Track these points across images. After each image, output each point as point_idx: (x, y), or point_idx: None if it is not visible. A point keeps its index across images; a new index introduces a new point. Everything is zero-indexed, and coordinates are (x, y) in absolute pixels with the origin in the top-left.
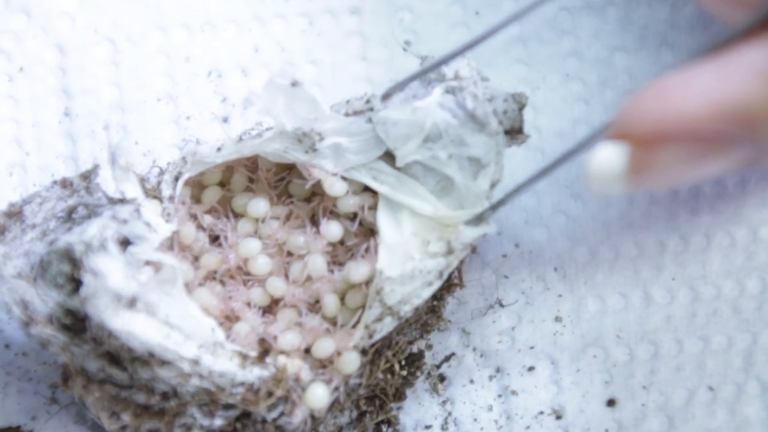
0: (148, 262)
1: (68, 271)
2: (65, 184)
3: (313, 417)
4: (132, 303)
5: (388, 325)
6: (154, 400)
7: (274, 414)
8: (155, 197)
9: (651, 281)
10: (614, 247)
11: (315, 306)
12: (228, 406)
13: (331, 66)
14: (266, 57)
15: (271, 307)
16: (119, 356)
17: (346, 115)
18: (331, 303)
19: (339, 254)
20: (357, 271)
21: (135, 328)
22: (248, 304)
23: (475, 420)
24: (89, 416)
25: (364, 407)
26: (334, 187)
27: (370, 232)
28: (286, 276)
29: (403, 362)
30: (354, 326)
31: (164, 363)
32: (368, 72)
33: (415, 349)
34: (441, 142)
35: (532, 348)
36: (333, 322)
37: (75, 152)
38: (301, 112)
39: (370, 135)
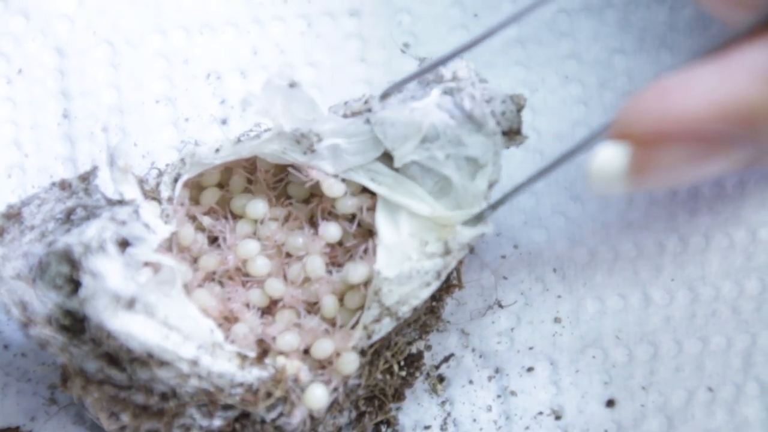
0: (146, 263)
1: (67, 273)
2: (64, 185)
3: (312, 417)
4: (131, 304)
5: (386, 325)
6: (153, 401)
7: (273, 414)
8: (154, 199)
9: (650, 282)
10: (613, 248)
11: (314, 307)
12: (227, 407)
13: (330, 68)
14: (265, 59)
15: (270, 308)
16: (118, 357)
17: (344, 116)
18: (329, 304)
19: (338, 255)
20: (355, 272)
21: (134, 329)
22: (247, 305)
23: (474, 420)
24: (88, 417)
25: (363, 408)
26: (333, 189)
27: (368, 233)
28: (285, 277)
29: (402, 363)
30: (353, 327)
31: (163, 364)
32: (367, 74)
33: (414, 349)
34: (438, 143)
35: (531, 349)
36: (332, 323)
37: (74, 154)
38: (299, 113)
39: (369, 136)
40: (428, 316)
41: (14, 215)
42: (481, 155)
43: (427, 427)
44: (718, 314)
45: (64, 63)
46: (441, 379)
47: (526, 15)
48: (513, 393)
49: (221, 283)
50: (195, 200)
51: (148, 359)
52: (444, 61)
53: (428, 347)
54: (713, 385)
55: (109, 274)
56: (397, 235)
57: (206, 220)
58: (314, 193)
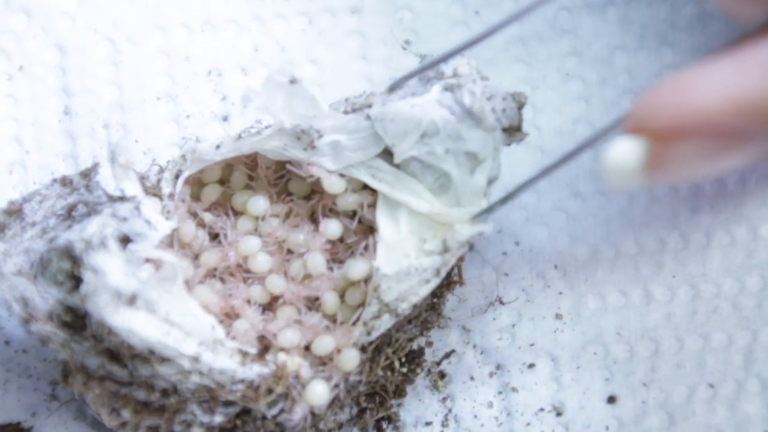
0: (148, 260)
1: (68, 269)
2: (65, 182)
3: (313, 414)
4: (132, 300)
5: (386, 322)
6: (154, 397)
7: (274, 411)
8: (155, 195)
9: (651, 279)
10: (614, 244)
11: (315, 303)
12: (228, 403)
13: (330, 65)
14: (266, 56)
15: (271, 305)
16: (119, 353)
17: (345, 112)
18: (330, 300)
19: (339, 252)
20: (355, 268)
21: (135, 326)
22: (248, 302)
23: (476, 417)
24: (89, 413)
25: (365, 404)
26: (333, 185)
27: (369, 229)
28: (286, 274)
29: (404, 359)
30: (354, 324)
31: (164, 360)
32: (368, 71)
33: (415, 346)
34: (438, 138)
35: (532, 345)
36: (333, 319)
37: (75, 151)
38: (300, 109)
39: (369, 132)
40: (429, 312)
41: (15, 211)
42: (481, 150)
43: (428, 424)
44: (719, 311)
45: (65, 60)
46: (442, 375)
47: (527, 13)
48: (514, 389)
49: (222, 280)
50: (196, 197)
51: (149, 355)
52: (447, 57)
53: (429, 344)
54: (714, 381)
55: (110, 271)
56: (397, 232)
57: (207, 217)
58: (315, 190)
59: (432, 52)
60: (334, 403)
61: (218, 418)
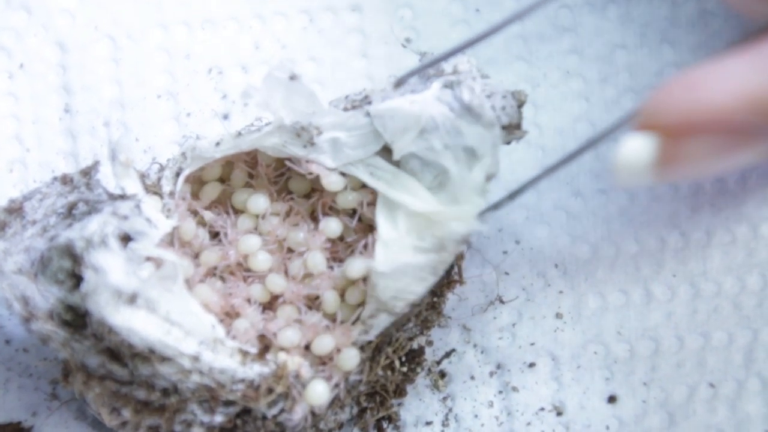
0: (148, 258)
1: (69, 267)
2: (65, 180)
3: (313, 413)
4: (132, 299)
5: (383, 321)
6: (155, 397)
7: (274, 410)
8: (155, 193)
9: (652, 278)
10: (615, 244)
11: (315, 302)
12: (228, 403)
13: (331, 63)
14: (267, 54)
15: (271, 304)
16: (120, 352)
17: (345, 110)
18: (330, 299)
19: (339, 251)
20: (354, 266)
21: (135, 325)
22: (248, 301)
23: (476, 416)
24: (90, 412)
25: (365, 403)
26: (333, 183)
27: (369, 228)
28: (287, 272)
29: (404, 359)
30: (354, 323)
31: (165, 359)
32: (368, 69)
33: (415, 345)
34: (437, 133)
35: (532, 344)
36: (333, 318)
37: (75, 149)
38: (300, 105)
39: (368, 129)
40: (429, 311)
41: (16, 210)
42: (479, 146)
43: (428, 423)
44: (720, 310)
45: (65, 58)
46: (442, 374)
47: (529, 13)
48: (514, 389)
49: (222, 279)
50: (196, 195)
51: (149, 355)
52: (451, 54)
53: (429, 343)
54: (715, 381)
55: (110, 269)
56: (395, 230)
57: (208, 215)
58: (315, 188)
59: (432, 50)
60: (335, 402)
61: (218, 418)
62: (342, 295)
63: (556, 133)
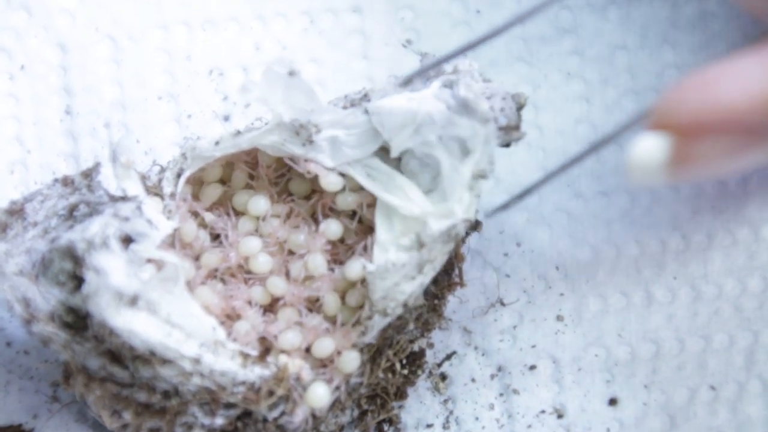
0: (149, 260)
1: (70, 269)
2: (66, 182)
3: (314, 416)
4: (134, 301)
5: (378, 322)
6: (156, 399)
7: (275, 413)
8: (156, 194)
9: (652, 280)
10: (616, 246)
11: (316, 304)
12: (229, 405)
13: (332, 64)
14: (267, 55)
15: (272, 306)
16: (120, 354)
17: (344, 108)
18: (331, 302)
19: (340, 252)
20: (352, 268)
21: (136, 327)
22: (249, 303)
23: (477, 419)
24: (90, 414)
25: (366, 406)
26: (331, 183)
27: (369, 230)
28: (288, 274)
29: (405, 361)
30: (354, 325)
31: (165, 361)
32: (369, 70)
33: (416, 347)
34: (432, 127)
35: (533, 347)
36: (334, 321)
37: (76, 150)
38: (299, 102)
39: (367, 127)
40: (430, 314)
41: (17, 211)
42: (470, 138)
43: (429, 426)
44: (721, 312)
45: (66, 59)
46: (443, 377)
47: (532, 15)
48: (515, 391)
49: (223, 281)
50: (197, 196)
51: (150, 357)
52: (455, 55)
53: (430, 345)
54: (716, 383)
55: (112, 271)
56: (391, 231)
57: (208, 217)
58: (315, 189)
59: (433, 52)
60: (335, 405)
61: (219, 421)
62: (343, 298)
63: (557, 134)
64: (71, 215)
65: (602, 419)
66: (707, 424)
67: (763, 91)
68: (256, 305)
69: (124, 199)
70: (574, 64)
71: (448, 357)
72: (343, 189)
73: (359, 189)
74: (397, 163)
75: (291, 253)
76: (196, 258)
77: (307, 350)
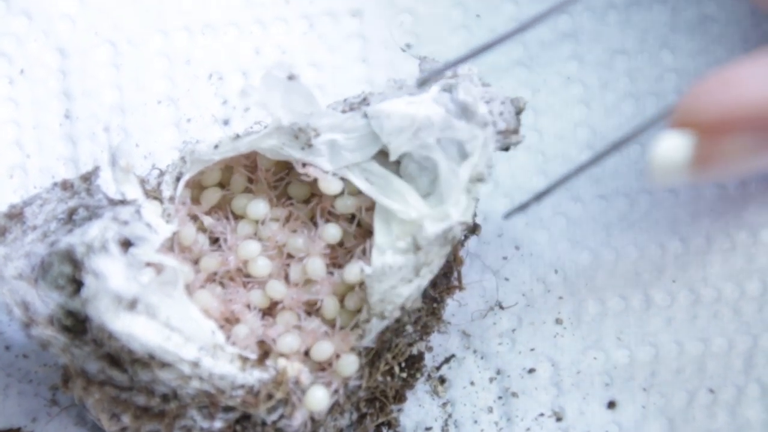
0: (149, 264)
1: (69, 273)
2: (66, 185)
3: (313, 419)
4: (133, 305)
5: (375, 325)
6: (154, 402)
7: (274, 416)
8: (155, 198)
9: (651, 283)
10: (615, 249)
11: (314, 308)
12: (228, 409)
13: (331, 68)
14: (267, 59)
15: (271, 309)
16: (120, 358)
17: (343, 112)
18: (330, 305)
19: (339, 256)
20: (350, 271)
21: (135, 330)
22: (248, 306)
23: (476, 422)
24: (89, 418)
25: (365, 409)
26: (330, 186)
27: (369, 233)
28: (287, 278)
29: (403, 364)
30: (353, 328)
31: (164, 365)
32: (369, 74)
33: (415, 351)
34: (431, 130)
35: (532, 350)
36: (332, 324)
37: (75, 154)
38: (298, 106)
39: (366, 131)
40: (429, 317)
41: (16, 215)
42: (469, 141)
43: (428, 429)
44: (720, 316)
45: (66, 63)
46: (442, 380)
47: (534, 24)
48: (514, 394)
49: (222, 284)
50: (196, 200)
51: (149, 360)
52: (469, 58)
53: (429, 348)
54: (714, 386)
55: (111, 275)
56: (390, 235)
57: (207, 220)
58: (315, 193)
59: (433, 56)
60: (334, 408)
61: (218, 424)
62: (341, 301)
63: (556, 138)
64: (70, 219)
65: (601, 422)
66: (706, 427)
67: None
68: (255, 309)
69: (123, 202)
70: (573, 69)
71: (447, 360)
72: (342, 192)
73: (358, 192)
74: (396, 167)
75: (290, 256)
76: (195, 262)
77: (306, 354)
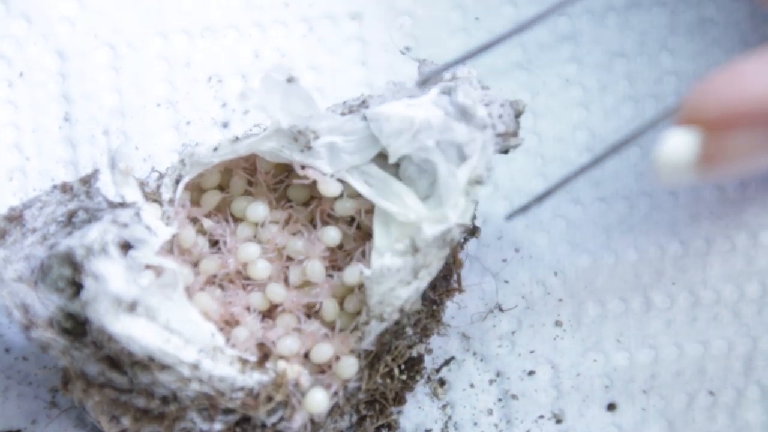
0: (148, 266)
1: (69, 275)
2: (65, 188)
3: (312, 421)
4: (132, 307)
5: (374, 327)
6: (154, 405)
7: (273, 419)
8: (155, 201)
9: (651, 286)
10: (614, 251)
11: (314, 310)
12: (228, 411)
13: (330, 71)
14: (266, 62)
15: (270, 312)
16: (119, 360)
17: (342, 114)
18: (329, 308)
19: (338, 259)
20: (350, 273)
21: (135, 333)
22: (248, 309)
23: (475, 424)
24: (89, 420)
25: (364, 411)
26: (329, 189)
27: (368, 235)
28: (287, 280)
29: (403, 366)
30: (352, 331)
31: (164, 367)
32: (368, 77)
33: (414, 353)
34: (430, 132)
35: (532, 352)
36: (332, 326)
37: (75, 157)
38: (297, 108)
39: (365, 133)
40: (429, 319)
41: (16, 218)
42: (467, 143)
43: (428, 431)
44: (719, 318)
45: (65, 66)
46: (442, 382)
47: (533, 24)
48: (514, 396)
49: (222, 287)
50: (196, 202)
51: (149, 363)
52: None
53: (429, 351)
54: (714, 388)
55: (111, 277)
56: (389, 237)
57: (207, 223)
58: (314, 196)
59: (432, 58)
60: (334, 410)
61: (218, 426)
62: (341, 304)
63: (555, 141)
64: (70, 222)
65: (601, 425)
66: (706, 429)
67: None
68: (255, 311)
69: (122, 205)
70: (572, 71)
71: (447, 362)
72: (342, 195)
73: (357, 195)
74: (395, 170)
75: (290, 259)
76: (195, 264)
77: (306, 356)
